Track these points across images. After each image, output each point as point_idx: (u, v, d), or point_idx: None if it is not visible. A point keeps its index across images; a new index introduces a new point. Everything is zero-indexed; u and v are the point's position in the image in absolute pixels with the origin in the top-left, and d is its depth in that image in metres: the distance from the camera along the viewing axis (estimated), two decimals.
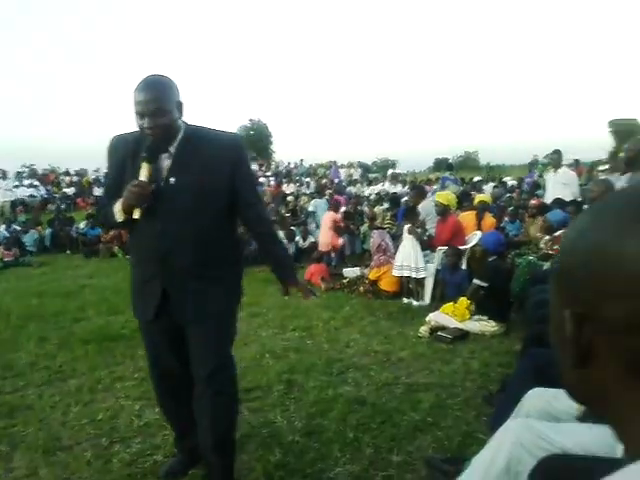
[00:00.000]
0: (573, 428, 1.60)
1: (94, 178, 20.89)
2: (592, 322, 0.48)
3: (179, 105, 1.92)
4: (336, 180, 17.26)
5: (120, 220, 1.93)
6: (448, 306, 4.47)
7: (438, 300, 5.18)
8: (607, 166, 10.08)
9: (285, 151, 54.67)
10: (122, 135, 2.07)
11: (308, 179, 19.15)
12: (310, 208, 10.36)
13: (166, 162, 1.94)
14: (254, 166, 34.29)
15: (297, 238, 8.25)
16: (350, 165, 23.26)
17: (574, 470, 1.29)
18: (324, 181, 17.01)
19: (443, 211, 5.52)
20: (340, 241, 7.75)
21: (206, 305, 2.01)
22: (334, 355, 3.93)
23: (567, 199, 5.78)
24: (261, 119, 38.97)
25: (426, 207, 5.95)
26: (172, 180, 1.93)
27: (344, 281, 6.26)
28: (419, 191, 6.85)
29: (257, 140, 37.95)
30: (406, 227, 5.47)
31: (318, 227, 8.63)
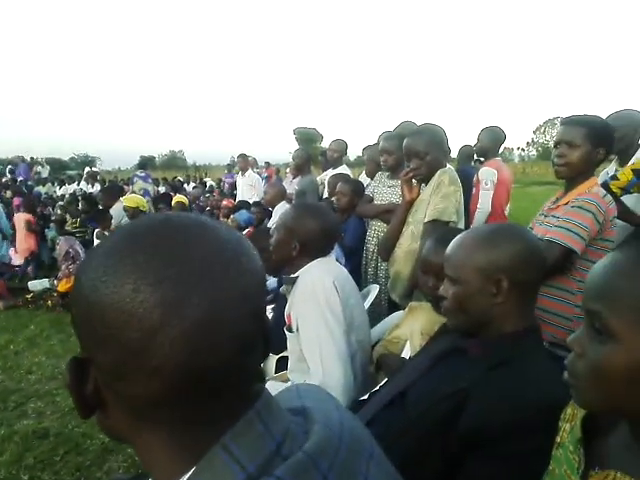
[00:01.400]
0: None
1: None
2: (94, 369, 0.46)
3: None
4: (20, 179, 14.84)
5: None
6: None
7: None
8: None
9: None
10: None
11: None
12: None
13: None
14: None
15: None
16: (35, 161, 20.16)
17: None
18: (4, 179, 14.44)
19: (134, 214, 5.33)
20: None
21: None
22: (12, 386, 3.44)
23: (253, 200, 6.34)
24: None
25: (117, 210, 5.66)
26: None
27: (28, 296, 5.47)
28: (111, 192, 6.33)
29: None
30: (96, 232, 5.14)
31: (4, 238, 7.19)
